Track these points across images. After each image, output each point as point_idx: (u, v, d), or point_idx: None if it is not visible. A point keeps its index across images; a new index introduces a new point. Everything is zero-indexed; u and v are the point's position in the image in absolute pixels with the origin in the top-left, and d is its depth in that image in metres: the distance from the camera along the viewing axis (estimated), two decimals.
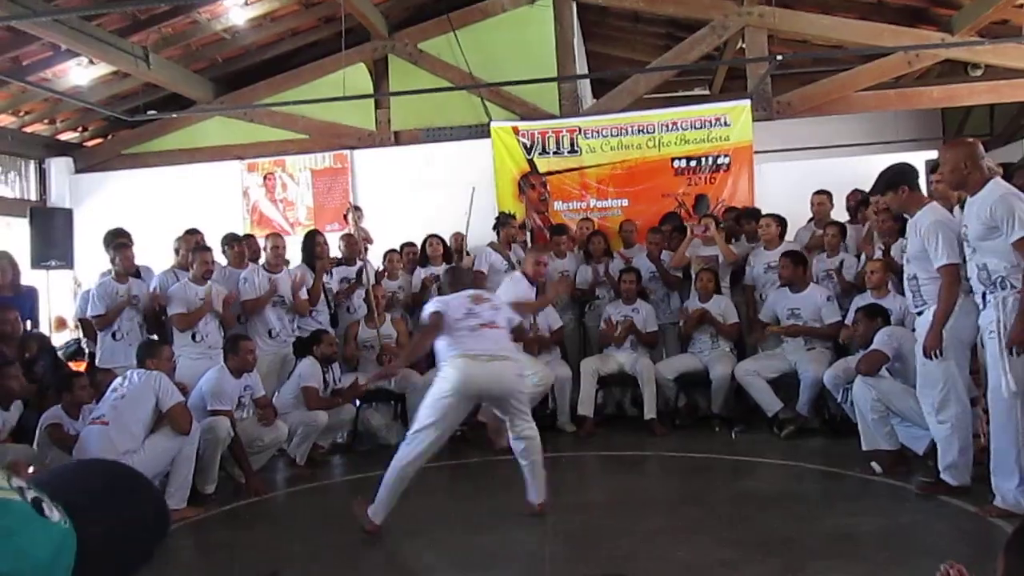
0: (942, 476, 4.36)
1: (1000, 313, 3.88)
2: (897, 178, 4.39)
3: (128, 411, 4.75)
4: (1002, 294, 3.89)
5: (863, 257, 6.23)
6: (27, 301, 6.63)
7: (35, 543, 0.79)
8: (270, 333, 6.33)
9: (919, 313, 4.39)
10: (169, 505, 4.72)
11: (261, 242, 6.90)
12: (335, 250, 7.33)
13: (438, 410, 4.25)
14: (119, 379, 5.00)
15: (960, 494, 4.26)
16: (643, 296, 6.97)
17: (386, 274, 7.21)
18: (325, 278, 6.76)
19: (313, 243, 6.85)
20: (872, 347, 5.04)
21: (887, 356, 4.94)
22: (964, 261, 4.13)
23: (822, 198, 7.02)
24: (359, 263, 6.99)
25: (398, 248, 7.44)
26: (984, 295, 3.99)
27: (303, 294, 6.52)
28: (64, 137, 9.72)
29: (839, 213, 7.06)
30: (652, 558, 3.70)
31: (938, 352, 4.16)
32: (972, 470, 4.31)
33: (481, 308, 4.48)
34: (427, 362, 6.84)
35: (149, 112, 8.34)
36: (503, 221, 7.40)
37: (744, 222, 7.19)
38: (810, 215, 7.17)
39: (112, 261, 6.23)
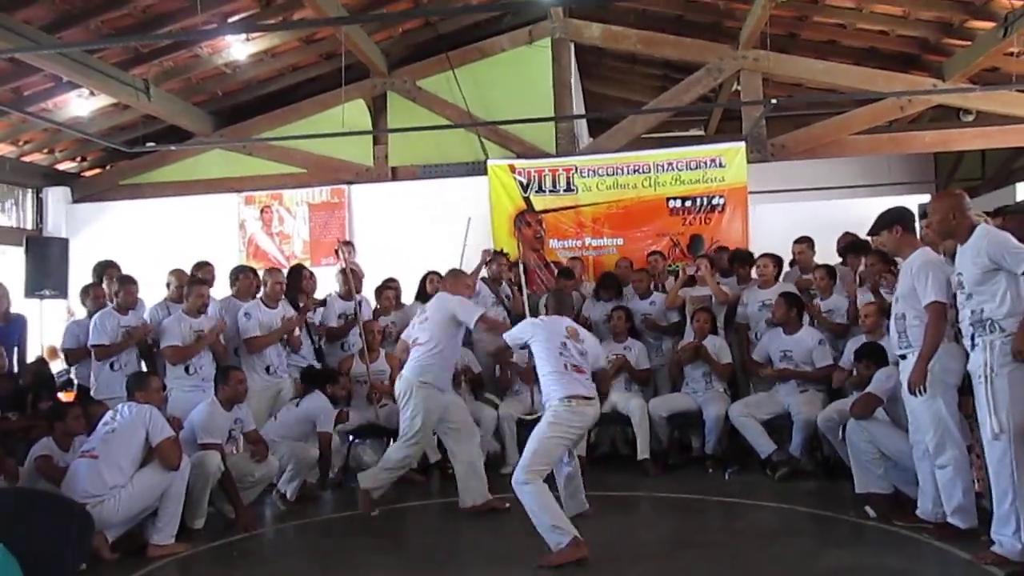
0: (949, 520, 4.35)
1: (988, 356, 3.92)
2: (893, 219, 4.48)
3: (118, 445, 4.72)
4: (990, 337, 3.93)
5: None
6: (15, 330, 6.62)
7: None
8: (268, 369, 6.27)
9: (902, 356, 4.42)
10: (156, 540, 4.73)
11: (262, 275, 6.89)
12: (332, 285, 7.32)
13: (554, 456, 4.62)
14: (110, 413, 4.96)
15: (969, 537, 4.24)
16: (635, 335, 6.97)
17: (374, 308, 7.20)
18: (309, 315, 6.73)
19: (299, 278, 6.83)
20: (867, 390, 5.04)
21: (881, 400, 4.95)
22: (955, 307, 4.17)
23: (802, 247, 7.07)
24: (356, 298, 6.98)
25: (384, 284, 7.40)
26: (973, 337, 4.03)
27: (296, 331, 6.49)
28: (62, 167, 9.77)
29: (831, 255, 7.10)
30: None
31: (922, 389, 4.20)
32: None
33: (572, 346, 4.72)
34: None
35: (148, 144, 8.39)
36: (493, 258, 7.40)
37: (738, 264, 7.21)
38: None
39: (116, 294, 6.23)
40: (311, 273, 7.02)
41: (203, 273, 6.69)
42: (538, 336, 4.76)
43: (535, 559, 4.19)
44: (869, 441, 4.89)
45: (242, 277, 6.58)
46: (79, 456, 4.77)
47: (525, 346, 4.96)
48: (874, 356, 5.30)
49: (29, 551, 0.75)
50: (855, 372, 5.56)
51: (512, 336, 4.99)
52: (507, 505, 5.15)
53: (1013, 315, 3.87)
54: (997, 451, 3.92)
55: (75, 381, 6.83)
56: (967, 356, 4.13)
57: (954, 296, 4.19)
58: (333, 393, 6.16)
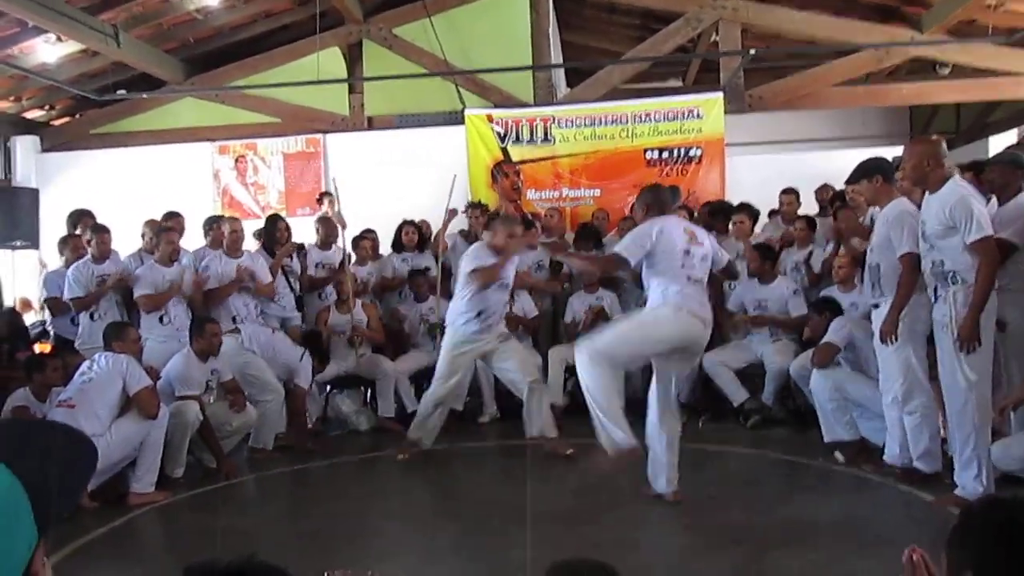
0: (915, 464, 4.47)
1: (952, 308, 4.01)
2: (873, 169, 4.52)
3: (95, 395, 4.72)
4: (952, 289, 4.01)
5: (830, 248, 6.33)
6: None
7: None
8: (234, 319, 6.22)
9: (875, 306, 4.50)
10: (136, 489, 4.76)
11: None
12: (308, 235, 7.29)
13: (648, 344, 4.22)
14: (87, 363, 4.95)
15: (933, 481, 4.36)
16: (607, 285, 6.98)
17: (355, 260, 7.19)
18: (287, 261, 6.71)
19: (274, 228, 6.79)
20: (824, 339, 5.16)
21: (838, 347, 5.07)
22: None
23: (791, 197, 7.12)
24: (337, 248, 6.96)
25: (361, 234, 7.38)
26: (936, 289, 4.11)
27: (268, 278, 6.45)
28: (30, 115, 9.55)
29: (809, 207, 7.16)
30: (616, 545, 3.75)
31: (893, 338, 4.29)
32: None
33: (695, 252, 4.21)
34: (398, 349, 6.89)
35: (119, 92, 8.22)
36: (468, 209, 7.38)
37: (718, 218, 7.23)
38: (776, 208, 7.28)
39: (88, 243, 6.15)
40: (287, 224, 6.98)
41: (172, 224, 6.62)
42: (660, 246, 4.14)
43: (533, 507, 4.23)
44: (834, 390, 5.01)
45: (215, 227, 6.51)
46: (56, 406, 4.78)
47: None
48: (829, 306, 5.46)
49: (37, 481, 0.78)
50: (809, 324, 5.73)
51: (626, 248, 4.19)
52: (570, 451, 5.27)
53: (974, 268, 3.95)
54: (959, 396, 4.03)
55: (51, 332, 6.79)
56: (931, 305, 4.22)
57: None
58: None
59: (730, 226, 6.98)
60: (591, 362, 4.05)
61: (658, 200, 4.39)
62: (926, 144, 4.30)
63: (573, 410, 6.82)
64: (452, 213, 7.11)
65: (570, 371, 6.76)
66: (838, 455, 5.00)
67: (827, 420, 5.11)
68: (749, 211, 6.88)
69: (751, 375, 6.33)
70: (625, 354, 4.25)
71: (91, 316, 6.03)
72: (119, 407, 4.81)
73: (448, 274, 6.72)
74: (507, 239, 5.29)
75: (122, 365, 4.83)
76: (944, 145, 4.26)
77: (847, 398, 5.03)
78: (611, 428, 4.03)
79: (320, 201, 8.00)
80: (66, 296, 6.06)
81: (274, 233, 6.75)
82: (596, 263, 5.47)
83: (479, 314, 5.29)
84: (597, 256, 5.35)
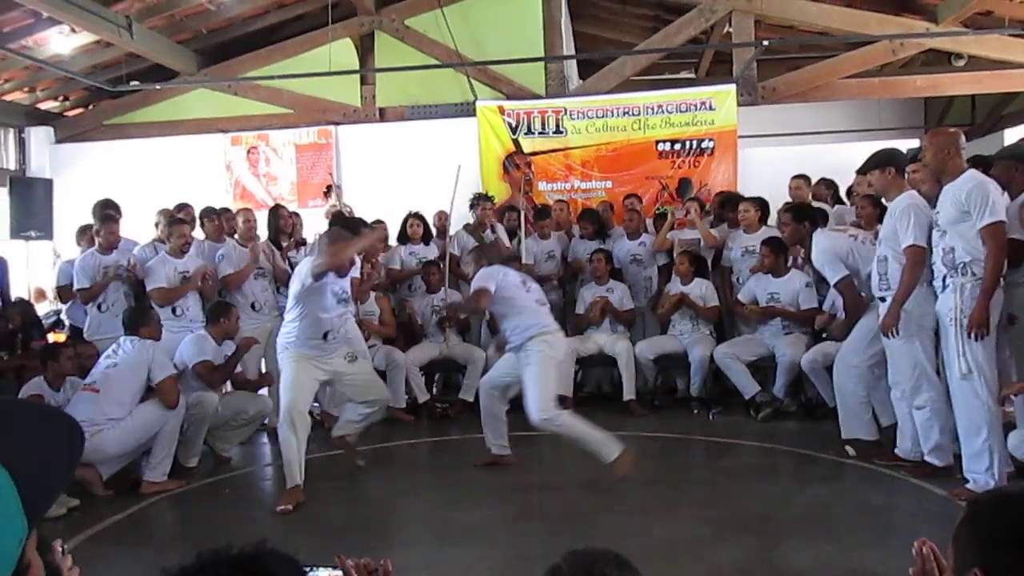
0: (926, 458, 4.46)
1: (958, 298, 4.00)
2: (887, 159, 4.51)
3: (119, 380, 4.77)
4: (962, 280, 4.01)
5: None
6: None
7: None
8: (253, 306, 6.28)
9: (881, 299, 4.49)
10: (150, 477, 4.79)
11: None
12: (320, 226, 7.30)
13: (555, 384, 4.72)
14: (112, 346, 4.99)
15: (945, 474, 4.36)
16: (617, 276, 7.00)
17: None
18: (292, 254, 6.73)
19: (276, 218, 6.80)
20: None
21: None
22: (931, 250, 4.24)
23: (799, 182, 7.07)
24: None
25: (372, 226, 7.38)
26: (944, 278, 4.10)
27: (281, 265, 6.47)
28: (44, 106, 9.60)
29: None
30: (629, 535, 3.76)
31: (895, 331, 4.28)
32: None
33: (531, 284, 4.93)
34: (409, 340, 6.91)
35: (132, 83, 8.24)
36: (477, 202, 7.37)
37: (728, 208, 7.23)
38: (790, 200, 7.24)
39: (97, 233, 6.18)
40: (290, 212, 7.01)
41: (183, 215, 6.64)
42: (502, 279, 4.78)
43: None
44: (858, 382, 4.96)
45: (207, 221, 6.54)
46: (81, 389, 4.82)
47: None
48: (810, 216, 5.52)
49: (23, 469, 0.76)
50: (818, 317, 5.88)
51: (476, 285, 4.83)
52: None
53: (982, 259, 3.95)
54: (966, 391, 4.02)
55: (66, 322, 6.84)
56: (936, 298, 4.22)
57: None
58: None
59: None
60: (554, 418, 4.53)
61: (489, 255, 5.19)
62: (946, 135, 4.31)
63: (582, 401, 6.88)
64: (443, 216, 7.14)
65: (580, 362, 6.79)
66: (849, 449, 4.98)
67: (848, 415, 5.03)
68: (756, 202, 6.85)
69: (762, 368, 6.32)
70: (555, 392, 4.75)
71: (99, 307, 6.06)
72: (141, 393, 4.84)
73: (457, 263, 6.77)
74: (335, 254, 4.48)
75: (148, 352, 4.86)
76: (963, 137, 4.27)
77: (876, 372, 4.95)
78: (607, 446, 4.49)
79: (327, 194, 8.01)
80: (76, 286, 6.10)
81: (276, 223, 6.75)
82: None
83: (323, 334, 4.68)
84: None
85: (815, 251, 4.91)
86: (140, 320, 5.10)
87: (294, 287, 4.58)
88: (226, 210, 6.96)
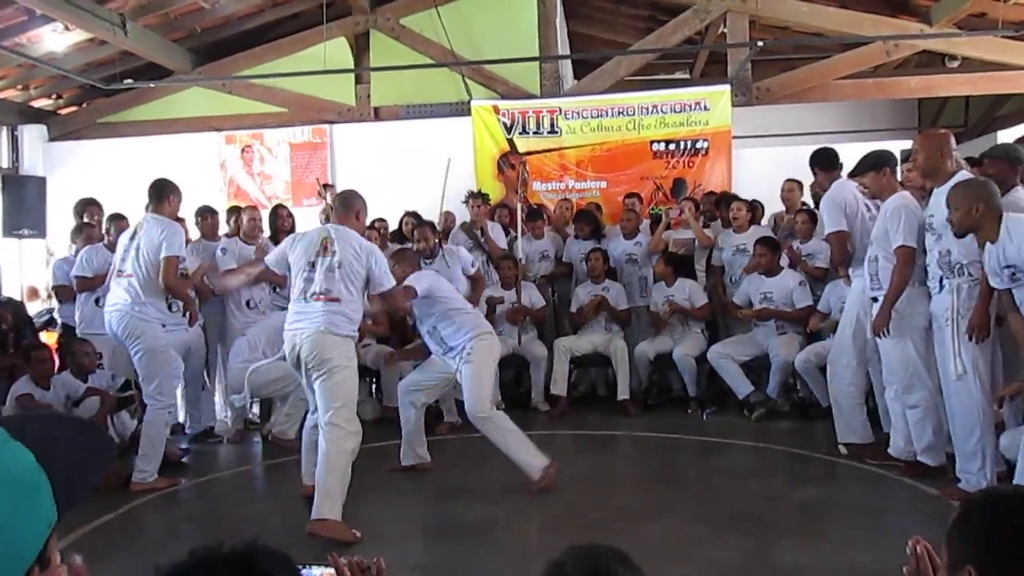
0: (919, 458, 4.47)
1: (954, 299, 4.02)
2: (881, 161, 4.55)
3: (144, 261, 4.89)
4: (958, 281, 4.03)
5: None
6: None
7: (17, 458, 0.88)
8: (248, 303, 6.29)
9: (874, 299, 4.50)
10: (139, 477, 4.75)
11: (222, 216, 6.92)
12: (314, 225, 7.29)
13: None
14: (129, 229, 5.13)
15: (937, 474, 4.37)
16: (612, 276, 7.01)
17: None
18: None
19: (277, 217, 6.84)
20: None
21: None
22: (924, 252, 4.26)
23: (792, 185, 7.08)
24: None
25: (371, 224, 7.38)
26: (941, 280, 4.11)
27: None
28: (38, 104, 9.56)
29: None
30: (623, 534, 3.75)
31: (886, 331, 4.31)
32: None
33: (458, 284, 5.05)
34: (403, 340, 6.89)
35: (126, 81, 8.21)
36: (469, 199, 7.36)
37: (722, 208, 7.24)
38: (782, 202, 7.26)
39: (107, 232, 6.21)
40: (289, 212, 7.03)
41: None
42: (437, 283, 4.79)
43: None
44: (851, 385, 4.96)
45: (200, 220, 6.59)
46: (116, 276, 5.00)
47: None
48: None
49: (59, 471, 0.79)
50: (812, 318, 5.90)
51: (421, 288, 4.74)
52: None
53: (980, 261, 3.95)
54: (960, 391, 4.03)
55: (58, 320, 6.81)
56: (930, 298, 4.23)
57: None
58: None
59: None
60: (487, 416, 4.55)
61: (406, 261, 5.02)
62: (937, 137, 4.33)
63: (577, 400, 6.88)
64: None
65: (575, 362, 6.79)
66: (842, 448, 4.99)
67: (843, 419, 4.99)
68: (747, 203, 6.85)
69: (756, 368, 6.33)
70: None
71: (96, 301, 6.04)
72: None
73: None
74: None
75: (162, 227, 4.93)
76: (953, 139, 4.28)
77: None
78: (534, 460, 4.49)
79: (320, 194, 8.01)
80: (74, 273, 6.08)
81: (277, 223, 6.79)
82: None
83: None
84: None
85: (827, 194, 4.87)
86: (158, 196, 5.13)
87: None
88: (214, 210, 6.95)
